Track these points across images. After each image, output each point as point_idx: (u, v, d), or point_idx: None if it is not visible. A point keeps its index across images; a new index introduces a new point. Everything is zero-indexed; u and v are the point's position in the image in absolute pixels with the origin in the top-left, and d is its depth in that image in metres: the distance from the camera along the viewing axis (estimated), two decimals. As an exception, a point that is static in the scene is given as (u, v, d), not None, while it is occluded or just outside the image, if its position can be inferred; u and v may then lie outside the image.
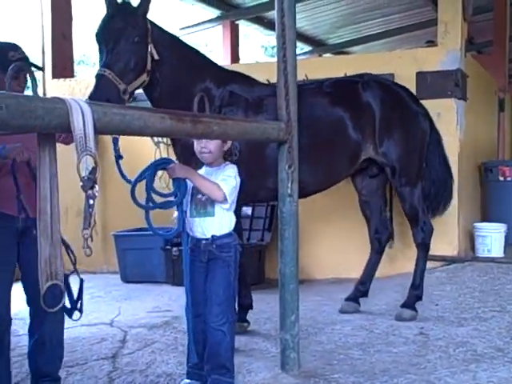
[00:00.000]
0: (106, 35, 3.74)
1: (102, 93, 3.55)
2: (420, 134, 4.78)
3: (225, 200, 3.10)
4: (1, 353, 2.77)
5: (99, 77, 3.61)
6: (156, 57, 3.86)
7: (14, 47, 3.23)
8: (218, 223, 3.17)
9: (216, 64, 4.41)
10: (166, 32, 4.10)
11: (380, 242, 5.01)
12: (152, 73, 3.88)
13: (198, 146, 3.19)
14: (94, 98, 3.46)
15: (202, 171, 3.24)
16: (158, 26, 4.01)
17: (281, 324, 3.54)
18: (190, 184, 3.13)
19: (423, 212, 4.77)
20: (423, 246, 4.74)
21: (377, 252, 5.03)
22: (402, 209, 4.82)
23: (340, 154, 4.51)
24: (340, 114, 4.47)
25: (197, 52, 4.30)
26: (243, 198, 3.46)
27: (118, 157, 3.02)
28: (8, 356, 2.90)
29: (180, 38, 4.39)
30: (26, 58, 3.22)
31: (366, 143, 4.54)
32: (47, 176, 2.13)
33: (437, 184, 5.03)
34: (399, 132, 4.61)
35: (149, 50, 3.83)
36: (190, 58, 4.14)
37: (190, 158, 3.53)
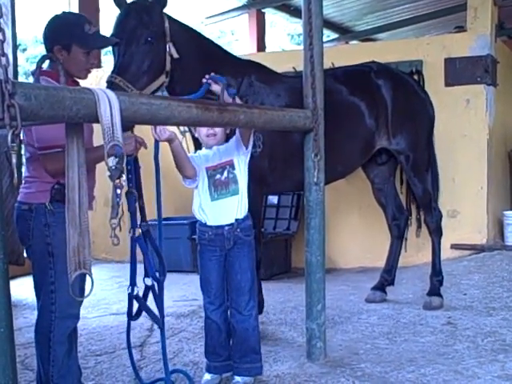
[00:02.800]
0: (117, 37, 3.43)
1: None
2: (428, 120, 4.89)
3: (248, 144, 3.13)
4: (71, 348, 2.76)
5: (109, 84, 3.37)
6: (176, 55, 3.61)
7: (88, 20, 2.86)
8: (241, 202, 3.14)
9: (233, 55, 4.30)
10: (184, 26, 3.86)
11: (399, 227, 5.06)
12: (171, 72, 3.64)
13: (203, 128, 3.11)
14: None
15: (203, 152, 3.22)
16: (177, 21, 3.77)
17: (307, 313, 3.54)
18: (203, 168, 3.12)
19: (434, 197, 4.86)
20: (438, 232, 4.80)
21: (397, 238, 5.08)
22: (416, 195, 4.90)
23: (355, 143, 4.50)
24: (356, 102, 4.46)
25: (214, 44, 4.12)
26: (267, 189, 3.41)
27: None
28: (76, 351, 2.87)
29: (197, 29, 4.10)
30: (98, 32, 2.88)
31: (380, 133, 4.58)
32: (75, 166, 2.14)
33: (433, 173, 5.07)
34: (411, 120, 4.69)
35: (167, 49, 3.59)
36: (208, 52, 3.92)
37: None
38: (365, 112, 4.47)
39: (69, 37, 2.72)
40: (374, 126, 4.52)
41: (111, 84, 3.38)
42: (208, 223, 3.15)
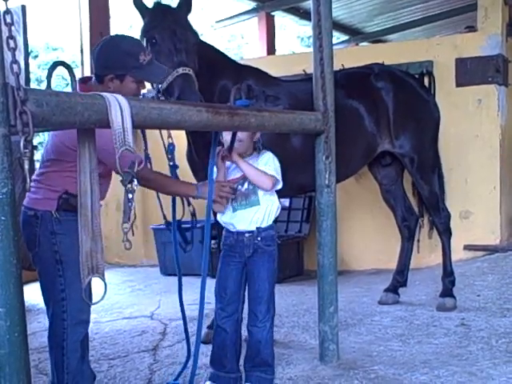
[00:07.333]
0: (168, 32, 3.41)
1: (193, 95, 3.26)
2: (433, 122, 4.84)
3: (275, 184, 3.10)
4: (83, 353, 2.77)
5: (185, 76, 3.32)
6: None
7: (144, 48, 2.81)
8: (264, 212, 3.12)
9: (232, 60, 4.29)
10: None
11: (409, 228, 5.05)
12: None
13: (227, 136, 3.06)
14: (188, 99, 3.17)
15: (227, 164, 3.17)
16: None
17: (319, 315, 3.53)
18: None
19: (441, 198, 4.83)
20: (447, 232, 4.77)
21: (408, 239, 5.06)
22: (423, 197, 4.87)
23: (356, 147, 4.47)
24: (355, 106, 4.44)
25: (214, 49, 4.10)
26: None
27: (174, 166, 2.94)
28: (88, 355, 2.87)
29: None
30: (152, 61, 2.77)
31: (382, 136, 4.56)
32: (87, 171, 2.16)
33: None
34: (413, 122, 4.65)
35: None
36: (208, 57, 3.86)
37: (203, 148, 3.46)
38: (364, 115, 4.45)
39: (124, 68, 2.66)
40: (374, 128, 4.49)
41: (188, 77, 3.33)
42: (230, 229, 3.17)
